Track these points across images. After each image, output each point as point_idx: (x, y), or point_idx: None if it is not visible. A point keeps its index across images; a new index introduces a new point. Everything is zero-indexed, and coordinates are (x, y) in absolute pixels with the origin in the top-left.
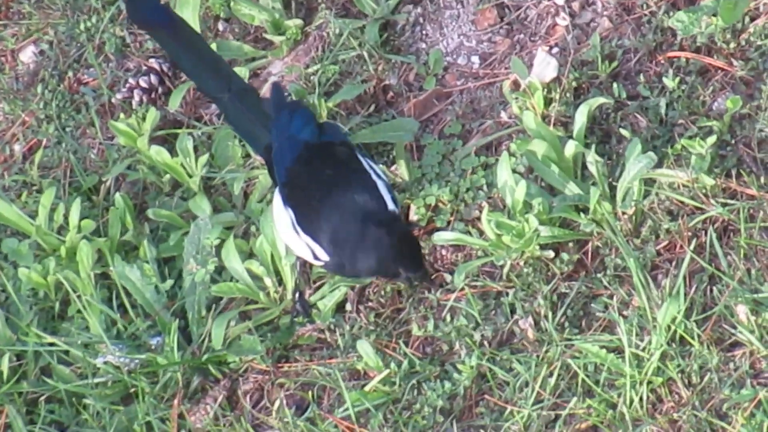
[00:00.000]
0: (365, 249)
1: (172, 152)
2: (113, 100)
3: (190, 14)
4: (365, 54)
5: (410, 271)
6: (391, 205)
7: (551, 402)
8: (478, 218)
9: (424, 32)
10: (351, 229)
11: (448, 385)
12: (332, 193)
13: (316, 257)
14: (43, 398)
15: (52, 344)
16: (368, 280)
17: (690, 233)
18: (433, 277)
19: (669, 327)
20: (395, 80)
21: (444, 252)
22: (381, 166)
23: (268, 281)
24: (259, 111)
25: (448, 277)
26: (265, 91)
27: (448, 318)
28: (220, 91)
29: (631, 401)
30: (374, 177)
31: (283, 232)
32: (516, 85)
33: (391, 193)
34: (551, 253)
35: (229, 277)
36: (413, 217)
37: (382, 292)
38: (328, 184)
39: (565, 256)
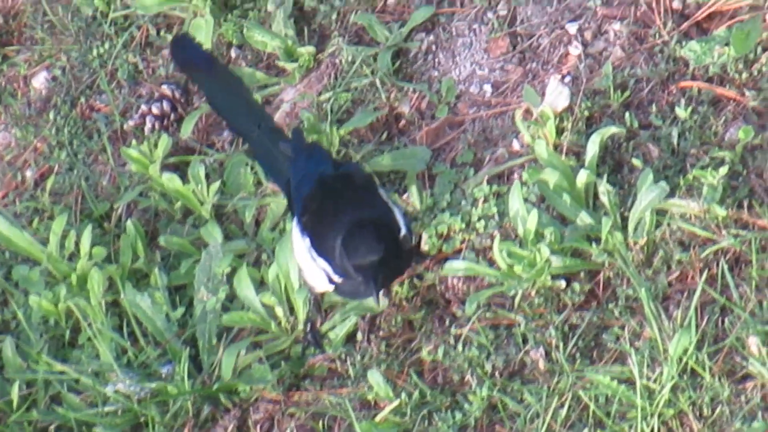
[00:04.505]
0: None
1: (184, 179)
2: (125, 127)
3: (203, 40)
4: (378, 82)
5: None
6: (404, 230)
7: None
8: (490, 247)
9: (436, 60)
10: None
11: (459, 415)
12: (345, 213)
13: (330, 281)
14: (53, 427)
15: (62, 372)
16: (382, 305)
17: (702, 264)
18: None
19: (680, 359)
20: (408, 108)
21: (455, 281)
22: (394, 195)
23: (279, 311)
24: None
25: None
26: (281, 120)
27: (460, 348)
28: (250, 129)
29: None
30: (389, 203)
31: (301, 260)
32: (528, 113)
33: (406, 220)
34: (563, 283)
35: (240, 306)
36: (424, 246)
37: (393, 322)
38: (342, 204)
39: (576, 286)
